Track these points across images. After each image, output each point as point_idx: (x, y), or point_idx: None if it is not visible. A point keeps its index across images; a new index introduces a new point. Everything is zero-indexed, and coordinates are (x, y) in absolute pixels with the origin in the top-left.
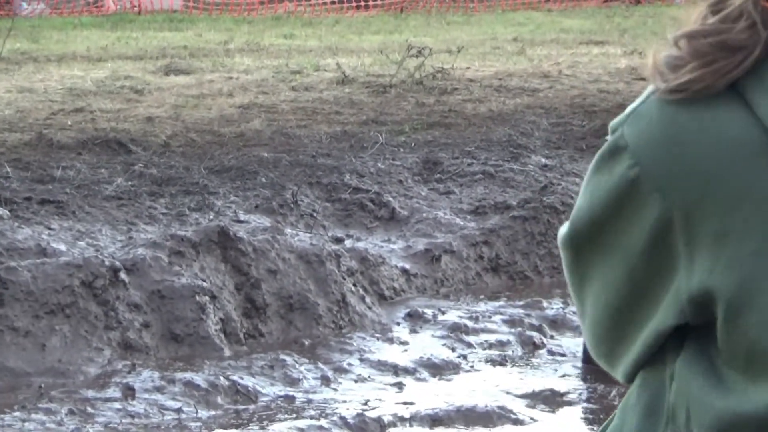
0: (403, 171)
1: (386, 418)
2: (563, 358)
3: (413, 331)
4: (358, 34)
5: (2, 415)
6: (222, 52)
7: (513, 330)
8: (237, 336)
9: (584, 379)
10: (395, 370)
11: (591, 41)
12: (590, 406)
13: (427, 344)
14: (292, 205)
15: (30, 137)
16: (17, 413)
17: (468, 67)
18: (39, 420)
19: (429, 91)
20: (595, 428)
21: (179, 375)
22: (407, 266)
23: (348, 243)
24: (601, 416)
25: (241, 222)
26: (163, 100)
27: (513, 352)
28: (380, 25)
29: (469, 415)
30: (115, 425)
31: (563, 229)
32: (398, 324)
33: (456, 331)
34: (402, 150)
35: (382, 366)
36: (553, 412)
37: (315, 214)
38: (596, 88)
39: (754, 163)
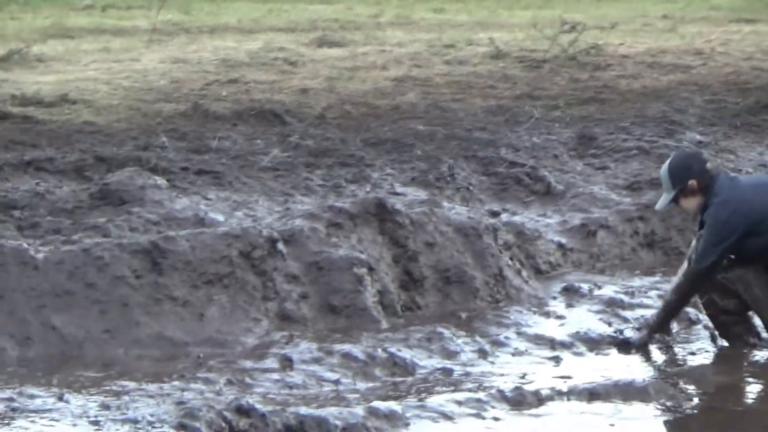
0: (558, 146)
1: (544, 392)
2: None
3: (569, 305)
4: (508, 8)
5: (161, 384)
6: (373, 25)
7: None
8: (394, 308)
9: (740, 356)
10: (552, 344)
11: (741, 19)
12: (750, 381)
13: (584, 318)
14: (448, 179)
15: (185, 107)
16: (176, 382)
17: (620, 43)
18: (198, 389)
19: (582, 66)
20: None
21: (337, 347)
22: (563, 240)
23: (504, 217)
24: None
25: (398, 194)
26: (317, 72)
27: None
28: (530, 1)
29: (626, 390)
30: (274, 396)
31: None
32: (554, 298)
33: (612, 305)
34: (557, 125)
35: (538, 340)
36: (707, 388)
37: (471, 188)
38: (750, 65)
39: None
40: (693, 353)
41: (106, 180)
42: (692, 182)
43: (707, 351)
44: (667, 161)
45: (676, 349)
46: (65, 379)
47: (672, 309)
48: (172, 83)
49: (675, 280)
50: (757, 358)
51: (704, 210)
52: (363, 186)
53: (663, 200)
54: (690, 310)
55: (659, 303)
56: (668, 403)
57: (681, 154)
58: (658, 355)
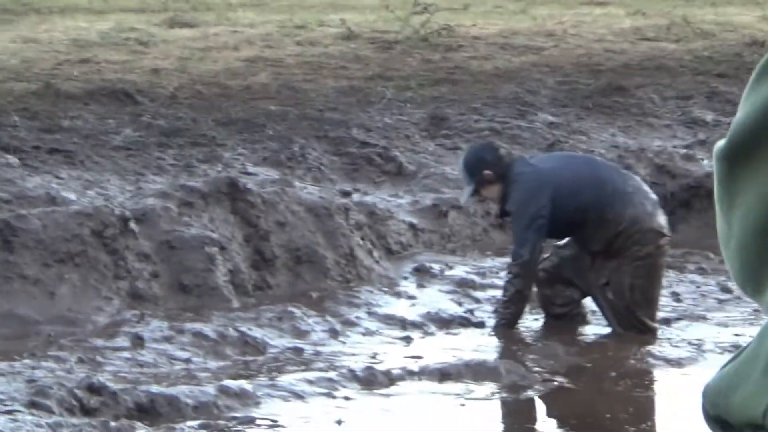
0: (410, 126)
1: (395, 372)
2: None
3: (421, 285)
4: None
5: (12, 362)
6: (224, 5)
7: None
8: (245, 288)
9: (591, 337)
10: (403, 324)
11: (593, 1)
12: (601, 362)
13: (435, 299)
14: (299, 159)
15: (37, 87)
16: (27, 360)
17: (472, 25)
18: (49, 368)
19: (434, 47)
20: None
21: (188, 325)
22: (414, 221)
23: (356, 197)
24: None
25: (250, 174)
26: (168, 52)
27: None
28: None
29: (477, 369)
30: (125, 374)
31: (720, 143)
32: (406, 278)
33: (463, 286)
34: (409, 105)
35: (390, 320)
36: (558, 369)
37: (323, 168)
38: (602, 47)
39: None
40: (544, 334)
41: None
42: (487, 172)
43: (558, 332)
44: (462, 156)
45: (528, 330)
46: None
47: (513, 312)
48: (23, 63)
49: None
50: (608, 340)
51: (506, 199)
52: (215, 166)
53: (464, 193)
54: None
55: (499, 306)
56: (519, 383)
57: (473, 147)
58: (509, 336)
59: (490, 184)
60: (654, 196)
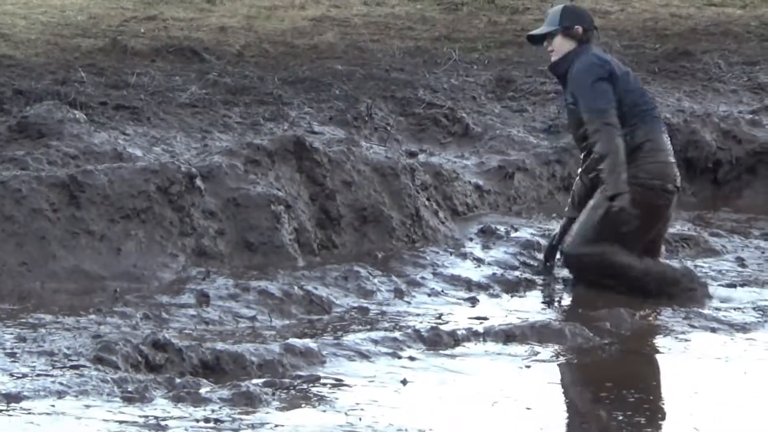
0: (476, 88)
1: (460, 333)
2: None
3: (486, 247)
4: None
5: (78, 317)
6: None
7: None
8: (311, 246)
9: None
10: (468, 285)
11: None
12: (666, 326)
13: (500, 260)
14: (366, 118)
15: (103, 43)
16: (93, 316)
17: None
18: (114, 323)
19: (500, 9)
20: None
21: (253, 283)
22: (480, 182)
23: (422, 157)
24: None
25: (316, 133)
26: (235, 10)
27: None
28: None
29: (542, 331)
30: (190, 331)
31: None
32: (471, 240)
33: (528, 248)
34: (475, 67)
35: (455, 281)
36: (623, 331)
37: (389, 128)
38: (668, 12)
39: None
40: (609, 298)
41: (24, 113)
42: (578, 28)
43: (623, 296)
44: (561, 4)
45: (592, 293)
46: None
47: (619, 170)
48: (90, 19)
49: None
50: (671, 304)
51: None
52: (281, 124)
53: (543, 28)
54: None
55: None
56: (584, 346)
57: (576, 6)
58: (573, 298)
59: (571, 39)
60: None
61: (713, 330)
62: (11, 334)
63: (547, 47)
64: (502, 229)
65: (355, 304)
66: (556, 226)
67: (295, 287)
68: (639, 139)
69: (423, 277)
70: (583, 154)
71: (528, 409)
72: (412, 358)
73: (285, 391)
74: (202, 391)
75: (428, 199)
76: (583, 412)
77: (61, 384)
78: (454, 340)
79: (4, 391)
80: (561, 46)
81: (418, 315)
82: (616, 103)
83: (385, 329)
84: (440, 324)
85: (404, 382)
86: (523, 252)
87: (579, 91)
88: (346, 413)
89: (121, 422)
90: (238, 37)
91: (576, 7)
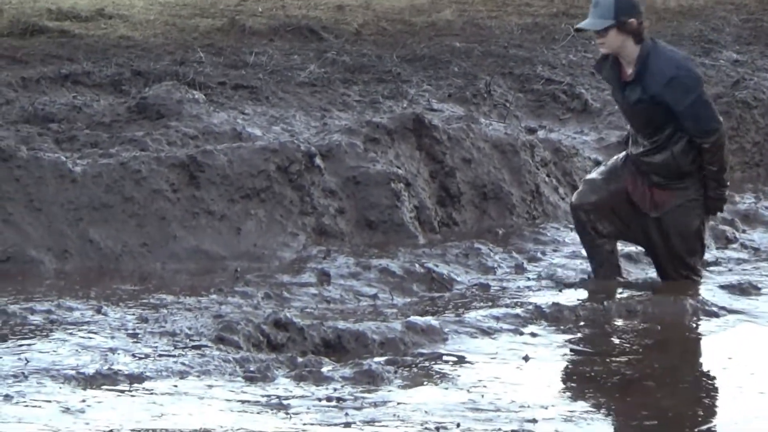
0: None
1: (581, 309)
2: (756, 252)
3: None
4: None
5: (199, 298)
6: None
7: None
8: (431, 224)
9: None
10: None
11: None
12: None
13: None
14: (485, 95)
15: (222, 23)
16: (214, 296)
17: None
18: (235, 303)
19: None
20: None
21: (374, 261)
22: (600, 158)
23: (541, 134)
24: None
25: (435, 110)
26: None
27: (707, 246)
28: None
29: (664, 303)
30: (311, 310)
31: None
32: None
33: None
34: (593, 42)
35: (576, 257)
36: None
37: (507, 105)
38: None
39: None
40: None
41: (143, 94)
42: (632, 20)
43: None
44: None
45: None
46: (103, 292)
47: (722, 174)
48: None
49: (710, 160)
50: None
51: (639, 72)
52: (400, 102)
53: (595, 23)
54: (727, 227)
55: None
56: (703, 321)
57: None
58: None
59: (625, 33)
60: None
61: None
62: (133, 315)
63: (597, 40)
64: None
65: (476, 281)
66: None
67: (416, 265)
68: None
69: (543, 253)
70: (645, 142)
71: (654, 385)
72: (533, 335)
73: (407, 369)
74: (324, 369)
75: (548, 176)
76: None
77: (183, 364)
78: (576, 316)
79: (127, 372)
80: (614, 41)
81: (539, 291)
82: None
83: (507, 306)
84: (561, 301)
85: (526, 358)
86: None
87: (681, 100)
88: (468, 390)
89: (243, 402)
90: (355, 15)
91: None
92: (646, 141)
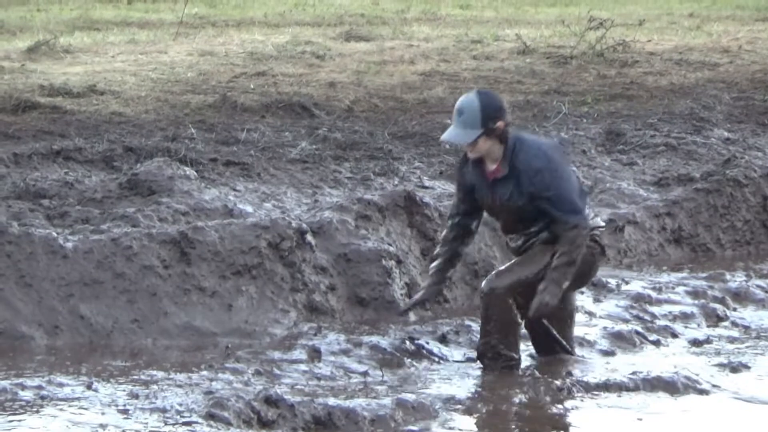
0: (586, 141)
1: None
2: (746, 330)
3: (597, 300)
4: (534, 5)
5: (190, 374)
6: (399, 20)
7: (696, 302)
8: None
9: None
10: (579, 341)
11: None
12: None
13: (612, 313)
14: None
15: (213, 99)
16: (205, 372)
17: (648, 41)
18: (226, 379)
19: (610, 63)
20: None
21: (365, 338)
22: None
23: None
24: None
25: (426, 188)
26: (344, 65)
27: (697, 324)
28: None
29: (656, 384)
30: (302, 387)
31: None
32: (582, 293)
33: (640, 301)
34: (585, 120)
35: None
36: (735, 382)
37: None
38: None
39: None
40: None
41: (135, 170)
42: (500, 124)
43: None
44: (474, 96)
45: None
46: (94, 368)
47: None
48: (200, 75)
49: (560, 249)
50: None
51: (507, 163)
52: (391, 179)
53: (464, 135)
54: (717, 306)
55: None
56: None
57: (489, 93)
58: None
59: (494, 138)
60: None
61: None
62: (123, 390)
63: (467, 148)
64: (612, 282)
65: (467, 358)
66: (666, 279)
67: (407, 342)
68: None
69: None
70: (515, 236)
71: None
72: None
73: None
74: None
75: None
76: None
77: None
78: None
79: None
80: (484, 146)
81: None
82: None
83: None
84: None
85: None
86: (634, 305)
87: (553, 181)
88: None
89: None
90: (347, 92)
91: (490, 94)
92: (519, 237)
